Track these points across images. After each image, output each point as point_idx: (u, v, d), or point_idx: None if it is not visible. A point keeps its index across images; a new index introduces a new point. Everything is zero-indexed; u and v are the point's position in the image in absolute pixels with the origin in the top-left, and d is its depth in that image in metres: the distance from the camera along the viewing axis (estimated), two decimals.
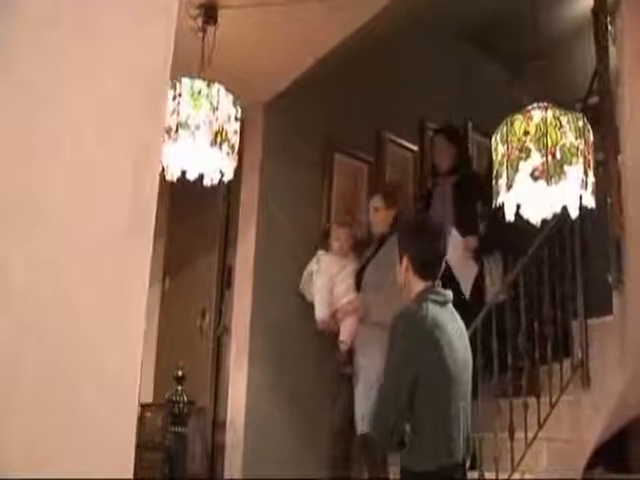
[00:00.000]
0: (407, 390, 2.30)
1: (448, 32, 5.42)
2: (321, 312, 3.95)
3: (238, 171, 3.56)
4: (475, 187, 4.34)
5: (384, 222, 4.09)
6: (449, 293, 2.52)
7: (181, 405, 3.76)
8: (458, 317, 2.52)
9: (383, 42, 4.50)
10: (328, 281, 3.98)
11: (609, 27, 4.09)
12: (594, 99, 4.13)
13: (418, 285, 2.49)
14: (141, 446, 4.25)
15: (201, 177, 3.24)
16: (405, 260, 2.51)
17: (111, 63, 1.77)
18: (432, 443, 2.30)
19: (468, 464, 2.46)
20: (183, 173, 3.23)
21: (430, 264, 2.51)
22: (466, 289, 4.09)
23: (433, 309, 2.39)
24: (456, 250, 3.89)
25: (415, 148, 5.18)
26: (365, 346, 3.77)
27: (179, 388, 3.79)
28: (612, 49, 4.04)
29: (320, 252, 4.08)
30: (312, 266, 4.08)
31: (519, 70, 5.40)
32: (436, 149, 4.65)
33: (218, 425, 4.19)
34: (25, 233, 1.56)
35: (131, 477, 1.66)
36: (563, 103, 3.03)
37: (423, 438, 2.30)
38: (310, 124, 4.43)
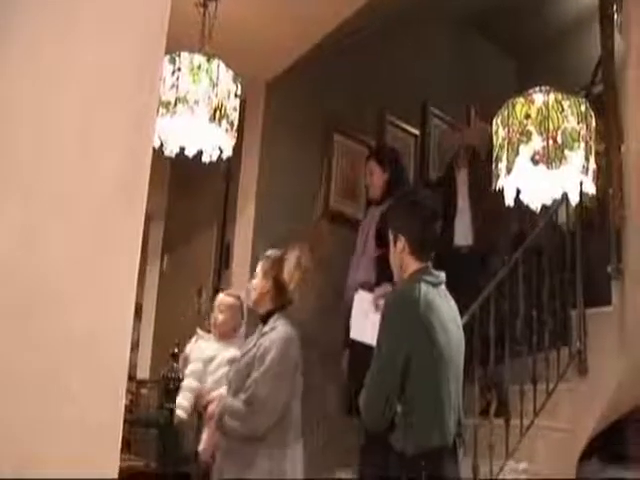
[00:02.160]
0: (399, 370, 2.27)
1: (453, 17, 5.40)
2: (181, 403, 3.15)
3: (238, 149, 3.54)
4: None
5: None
6: (442, 274, 2.49)
7: (176, 382, 3.75)
8: (451, 298, 2.50)
9: (387, 24, 4.49)
10: (201, 366, 3.22)
11: (615, 14, 4.05)
12: (598, 88, 4.09)
13: (412, 266, 2.46)
14: (136, 422, 4.28)
15: (200, 154, 3.21)
16: (402, 241, 2.48)
17: (104, 30, 1.75)
18: (424, 425, 2.27)
19: (462, 450, 2.44)
20: (182, 149, 3.20)
21: (427, 244, 2.49)
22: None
23: (427, 290, 2.36)
24: (363, 313, 3.36)
25: (417, 132, 5.16)
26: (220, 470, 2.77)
27: (174, 365, 3.78)
28: (617, 37, 4.01)
29: (199, 332, 3.40)
30: (187, 347, 3.37)
31: (522, 56, 5.40)
32: (367, 174, 4.10)
33: None
34: (17, 199, 1.55)
35: (118, 451, 1.65)
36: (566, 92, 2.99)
37: (415, 420, 2.27)
38: (311, 104, 4.42)
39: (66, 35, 1.68)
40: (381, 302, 2.94)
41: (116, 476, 1.59)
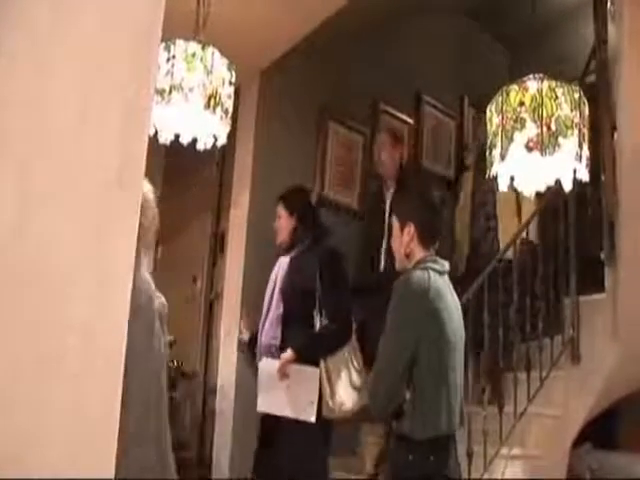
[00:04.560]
0: (408, 356, 2.29)
1: (447, 6, 5.39)
2: None
3: (232, 137, 3.54)
4: (328, 266, 3.23)
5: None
6: (447, 263, 2.53)
7: (171, 370, 3.75)
8: (452, 288, 2.53)
9: (383, 13, 4.48)
10: None
11: (608, 4, 4.06)
12: (591, 77, 4.10)
13: (419, 253, 2.50)
14: None
15: (194, 141, 3.21)
16: (411, 228, 2.51)
17: (101, 15, 1.74)
18: (432, 410, 2.30)
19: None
20: (176, 137, 3.19)
21: (435, 232, 2.57)
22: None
23: (434, 278, 2.40)
24: (270, 382, 3.07)
25: (411, 121, 5.15)
26: None
27: (169, 352, 3.78)
28: (611, 28, 4.01)
29: None
30: None
31: (516, 46, 5.40)
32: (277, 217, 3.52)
33: (208, 390, 4.18)
34: (11, 184, 1.55)
35: (115, 438, 1.64)
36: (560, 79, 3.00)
37: (422, 405, 2.30)
38: (306, 92, 4.40)
39: (62, 20, 1.67)
40: (287, 371, 2.99)
41: (113, 464, 1.59)
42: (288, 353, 3.03)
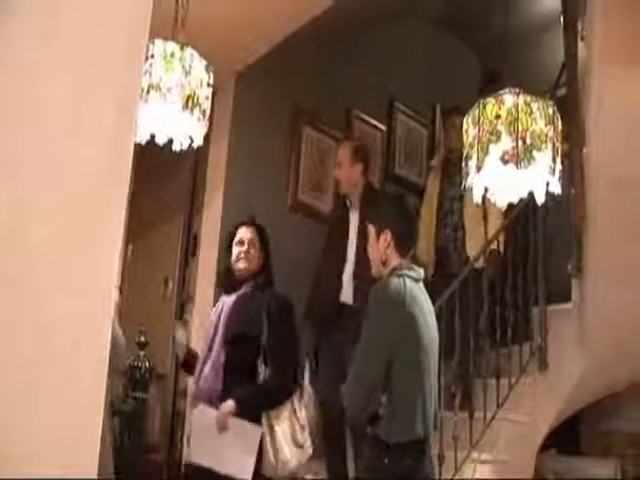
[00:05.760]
0: (384, 362, 2.32)
1: (422, 15, 5.43)
2: None
3: (206, 139, 3.52)
4: (278, 315, 2.94)
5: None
6: (422, 270, 2.57)
7: (142, 371, 3.73)
8: (427, 295, 2.56)
9: (357, 20, 4.50)
10: None
11: (578, 21, 4.13)
12: (562, 91, 4.17)
13: (395, 260, 2.53)
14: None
15: (170, 142, 3.19)
16: (387, 235, 2.53)
17: (92, 11, 1.73)
18: (408, 416, 2.32)
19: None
20: (152, 137, 3.17)
21: (410, 239, 2.62)
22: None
23: (410, 285, 2.42)
24: (205, 431, 2.79)
25: (383, 127, 5.18)
26: None
27: (141, 354, 3.76)
28: (580, 43, 4.08)
29: None
30: None
31: (489, 56, 5.47)
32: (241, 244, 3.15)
33: (179, 392, 4.15)
34: (2, 180, 1.53)
35: (98, 439, 1.63)
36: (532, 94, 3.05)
37: (398, 409, 2.32)
38: (281, 96, 4.41)
39: (53, 17, 1.66)
40: (227, 422, 2.69)
41: (97, 464, 1.58)
42: (229, 404, 2.74)
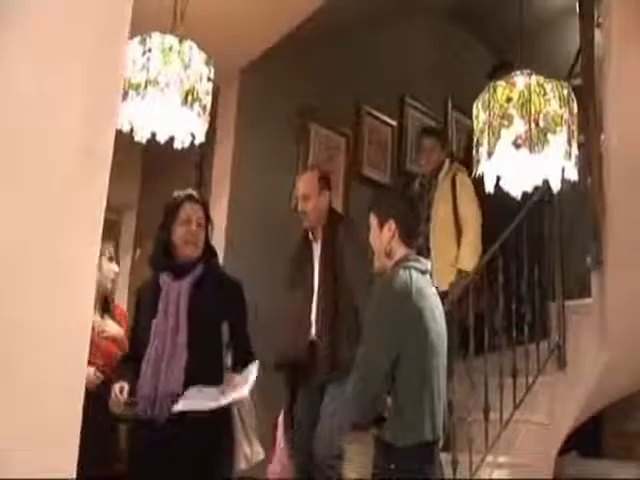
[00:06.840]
0: (390, 359, 2.21)
1: (433, 9, 5.36)
2: None
3: (212, 137, 3.45)
4: (238, 299, 2.83)
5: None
6: (428, 262, 2.46)
7: None
8: (434, 288, 2.45)
9: (366, 14, 4.42)
10: None
11: (595, 8, 4.03)
12: (577, 80, 4.05)
13: (400, 252, 2.42)
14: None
15: (171, 140, 3.10)
16: (391, 225, 2.42)
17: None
18: (415, 416, 2.21)
19: (441, 444, 2.36)
20: (153, 135, 3.09)
21: (414, 229, 2.49)
22: None
23: (417, 277, 2.31)
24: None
25: (394, 123, 5.11)
26: None
27: None
28: (597, 31, 3.98)
29: None
30: None
31: (500, 49, 5.35)
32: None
33: None
34: None
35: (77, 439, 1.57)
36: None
37: (405, 411, 2.21)
38: (287, 92, 4.33)
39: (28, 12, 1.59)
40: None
41: (75, 465, 1.51)
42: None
